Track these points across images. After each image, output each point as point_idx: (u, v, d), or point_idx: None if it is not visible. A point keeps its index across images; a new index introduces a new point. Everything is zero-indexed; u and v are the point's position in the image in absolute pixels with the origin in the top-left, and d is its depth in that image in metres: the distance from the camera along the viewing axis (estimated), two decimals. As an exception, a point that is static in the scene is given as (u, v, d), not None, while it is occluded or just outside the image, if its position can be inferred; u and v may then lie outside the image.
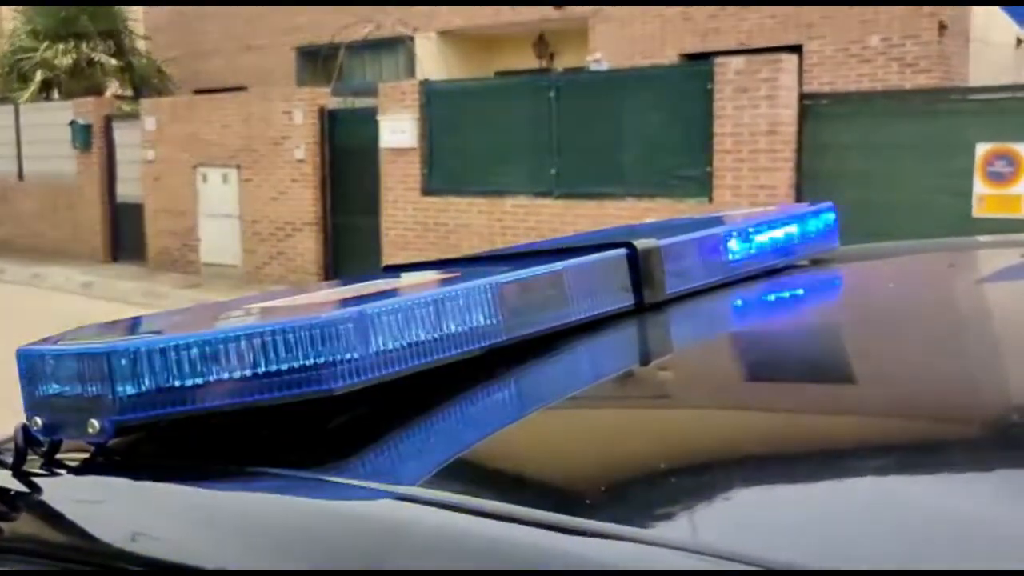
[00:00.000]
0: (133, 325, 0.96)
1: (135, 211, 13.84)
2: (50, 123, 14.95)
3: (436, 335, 0.89)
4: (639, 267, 1.13)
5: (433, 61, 15.02)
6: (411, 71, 14.94)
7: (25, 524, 0.85)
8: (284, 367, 0.80)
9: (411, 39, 15.35)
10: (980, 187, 7.63)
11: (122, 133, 14.11)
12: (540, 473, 0.80)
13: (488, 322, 0.94)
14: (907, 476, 0.72)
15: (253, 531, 0.73)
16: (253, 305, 0.98)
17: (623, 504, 0.70)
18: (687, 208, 8.44)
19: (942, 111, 7.99)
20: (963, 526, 0.61)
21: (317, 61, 16.10)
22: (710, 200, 8.67)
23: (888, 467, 0.72)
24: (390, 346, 0.85)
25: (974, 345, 1.08)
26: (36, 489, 0.86)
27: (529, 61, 14.94)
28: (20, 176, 15.96)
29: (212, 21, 17.93)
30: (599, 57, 11.53)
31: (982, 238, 2.06)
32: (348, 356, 0.82)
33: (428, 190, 10.67)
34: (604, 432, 0.88)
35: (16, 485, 0.86)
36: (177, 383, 0.79)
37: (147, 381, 0.79)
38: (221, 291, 10.87)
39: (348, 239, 11.64)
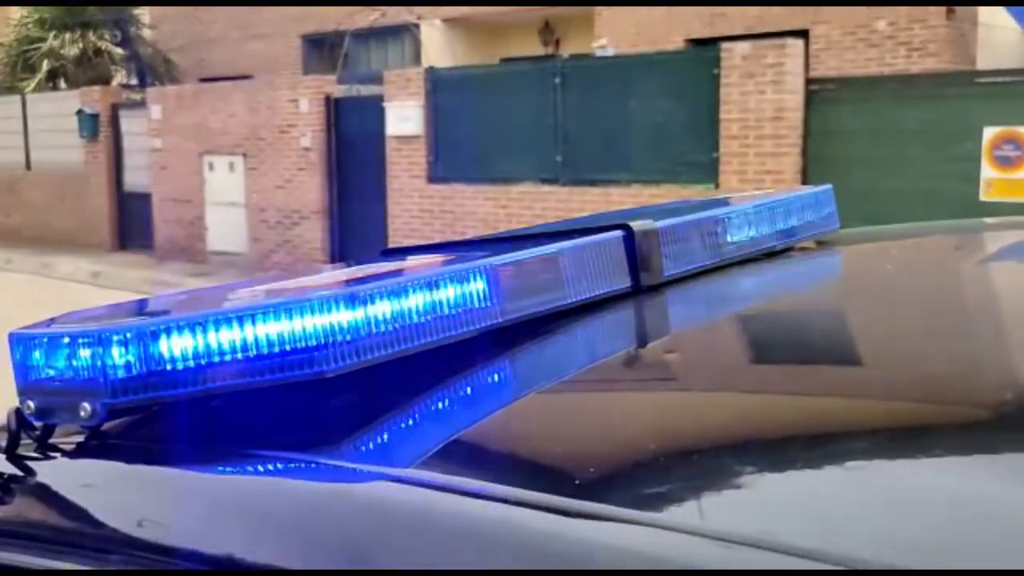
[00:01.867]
0: (126, 309, 0.96)
1: (142, 200, 13.86)
2: (57, 113, 14.97)
3: (430, 317, 0.89)
4: (636, 249, 1.13)
5: (438, 48, 14.99)
6: (417, 58, 14.92)
7: (19, 508, 0.86)
8: (276, 350, 0.80)
9: (416, 26, 15.33)
10: (988, 171, 7.59)
11: (129, 122, 14.12)
12: (535, 455, 0.80)
13: (483, 304, 0.94)
14: (909, 458, 0.71)
15: (247, 514, 0.73)
16: (247, 288, 0.97)
17: (618, 486, 0.70)
18: (693, 194, 8.41)
19: (950, 95, 7.95)
20: (962, 507, 0.61)
21: (323, 49, 16.11)
22: (716, 186, 8.65)
23: (889, 448, 0.72)
24: (383, 328, 0.85)
25: (978, 325, 1.07)
26: (30, 473, 0.86)
27: (535, 47, 14.91)
28: (28, 166, 15.99)
29: (217, 10, 17.91)
30: (605, 43, 11.49)
31: (987, 220, 2.05)
32: (341, 339, 0.81)
33: (434, 177, 10.66)
34: (599, 414, 0.88)
35: (10, 469, 0.86)
36: (168, 366, 0.79)
37: (138, 364, 0.79)
38: (229, 279, 10.87)
39: (354, 227, 11.65)
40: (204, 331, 0.79)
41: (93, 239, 14.60)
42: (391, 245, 10.62)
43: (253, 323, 0.80)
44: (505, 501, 0.65)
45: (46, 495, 0.85)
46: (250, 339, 0.79)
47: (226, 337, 0.79)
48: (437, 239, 10.16)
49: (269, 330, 0.80)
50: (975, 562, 0.55)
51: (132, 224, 14.32)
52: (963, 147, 7.66)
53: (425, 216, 10.77)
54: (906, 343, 0.99)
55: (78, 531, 0.81)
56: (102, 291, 11.38)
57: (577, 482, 0.70)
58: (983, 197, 7.58)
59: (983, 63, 10.78)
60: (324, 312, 0.81)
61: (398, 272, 0.95)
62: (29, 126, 15.84)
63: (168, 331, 0.79)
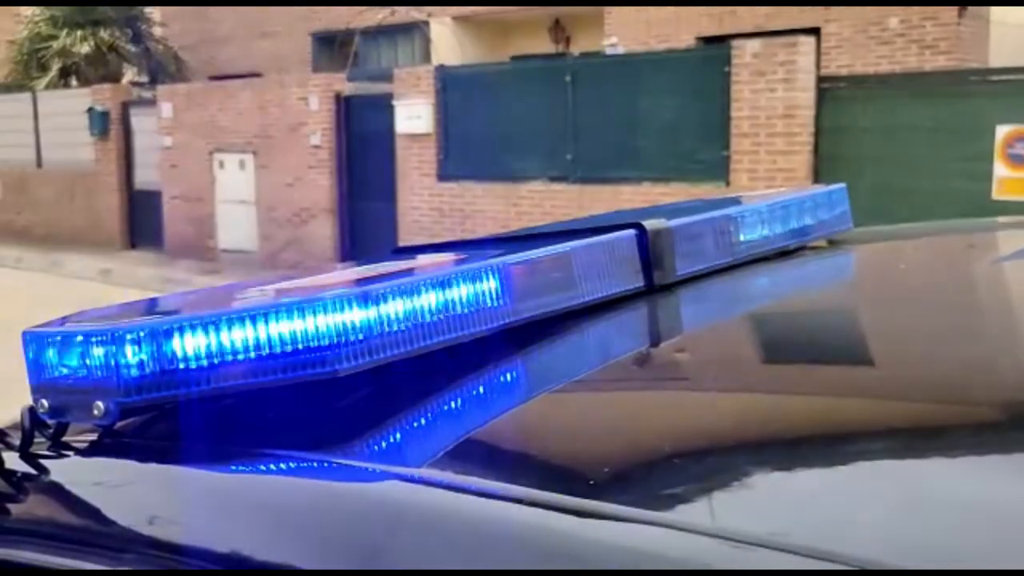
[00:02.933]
0: (139, 307, 0.96)
1: (153, 198, 13.89)
2: (68, 111, 15.00)
3: (442, 316, 0.89)
4: (649, 248, 1.13)
5: (448, 46, 15.00)
6: (426, 56, 14.93)
7: (32, 506, 0.86)
8: (288, 349, 0.80)
9: (426, 24, 15.33)
10: (1000, 169, 7.56)
11: (139, 120, 14.15)
12: (547, 455, 0.80)
13: (496, 303, 0.94)
14: (924, 459, 0.71)
15: (260, 513, 0.73)
16: (260, 287, 0.97)
17: (630, 486, 0.70)
18: (704, 192, 8.39)
19: (962, 93, 7.91)
20: (976, 509, 0.61)
21: (332, 47, 16.12)
22: (727, 184, 8.64)
23: (904, 449, 0.72)
24: (395, 327, 0.85)
25: (991, 326, 1.06)
26: (43, 471, 0.86)
27: (545, 45, 14.90)
28: (39, 164, 16.04)
29: (227, 8, 17.95)
30: (615, 41, 11.49)
31: (1001, 219, 2.04)
32: (352, 338, 0.81)
33: (444, 176, 10.67)
34: (611, 414, 0.88)
35: (23, 467, 0.86)
36: (181, 365, 0.79)
37: (151, 363, 0.79)
38: (239, 277, 10.87)
39: (364, 225, 11.66)
40: (217, 330, 0.79)
41: (103, 237, 14.64)
42: (401, 243, 10.63)
43: (265, 322, 0.80)
44: (518, 501, 0.65)
45: (59, 493, 0.85)
46: (262, 338, 0.80)
47: (239, 336, 0.79)
48: (447, 237, 10.15)
49: (281, 329, 0.80)
50: (984, 563, 0.55)
51: (142, 222, 14.36)
52: (975, 145, 7.62)
53: (435, 214, 10.78)
54: (920, 344, 0.98)
55: (91, 529, 0.81)
56: (112, 288, 11.41)
57: (590, 482, 0.70)
58: (995, 195, 7.54)
59: (995, 60, 10.73)
60: (336, 311, 0.81)
61: (409, 271, 0.95)
62: (40, 124, 15.88)
63: (181, 330, 0.79)
